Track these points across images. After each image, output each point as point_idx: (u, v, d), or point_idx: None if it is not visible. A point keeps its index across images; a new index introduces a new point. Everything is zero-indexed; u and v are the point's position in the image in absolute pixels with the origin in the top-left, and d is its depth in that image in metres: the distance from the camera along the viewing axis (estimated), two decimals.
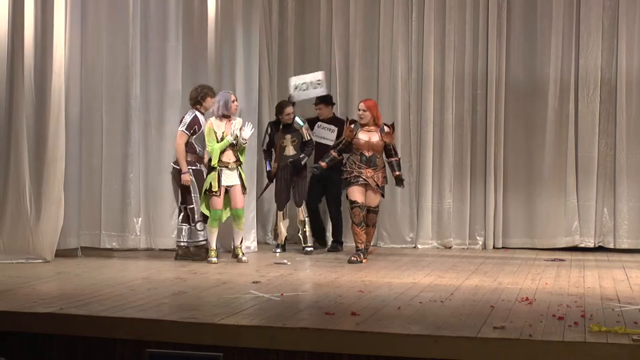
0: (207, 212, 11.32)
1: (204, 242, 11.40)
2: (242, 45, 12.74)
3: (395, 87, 13.68)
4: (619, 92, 13.18)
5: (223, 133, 11.25)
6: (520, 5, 13.45)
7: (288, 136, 12.33)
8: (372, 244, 12.15)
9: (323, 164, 11.71)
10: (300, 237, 12.34)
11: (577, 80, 13.34)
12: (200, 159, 11.48)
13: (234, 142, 11.23)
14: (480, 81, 13.54)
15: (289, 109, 12.31)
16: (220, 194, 11.23)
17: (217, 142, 11.20)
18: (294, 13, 14.05)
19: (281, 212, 12.44)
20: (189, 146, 11.37)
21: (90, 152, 12.01)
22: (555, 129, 13.32)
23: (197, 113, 11.50)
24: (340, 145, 11.67)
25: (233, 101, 11.38)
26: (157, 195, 12.18)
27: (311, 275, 10.24)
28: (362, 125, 11.58)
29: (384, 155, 11.59)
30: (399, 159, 11.78)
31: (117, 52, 12.06)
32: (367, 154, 11.49)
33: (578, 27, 13.33)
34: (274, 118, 12.64)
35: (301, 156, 12.31)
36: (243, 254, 11.41)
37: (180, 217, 11.50)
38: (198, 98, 11.52)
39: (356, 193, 11.47)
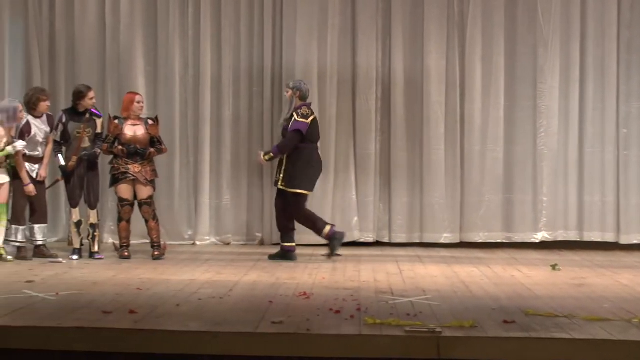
0: None
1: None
2: (10, 38, 12.40)
3: (173, 83, 13.56)
4: (393, 90, 13.51)
5: (4, 142, 11.01)
6: (293, 2, 13.53)
7: (83, 126, 11.53)
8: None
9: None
10: (90, 241, 11.60)
11: (353, 78, 13.58)
12: (36, 160, 11.38)
13: (13, 152, 11.00)
14: (256, 78, 13.59)
15: (93, 93, 11.63)
16: None
17: None
18: (64, 4, 13.65)
19: (76, 211, 11.58)
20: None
21: None
22: (332, 126, 13.51)
23: (30, 118, 11.34)
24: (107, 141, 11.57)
25: (20, 111, 11.17)
26: None
27: (88, 273, 10.05)
28: (130, 119, 11.59)
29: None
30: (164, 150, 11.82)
31: None
32: (138, 151, 11.48)
33: (354, 26, 13.56)
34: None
35: (96, 150, 11.59)
36: (6, 252, 11.11)
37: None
38: (30, 104, 11.36)
39: (125, 190, 11.50)
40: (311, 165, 11.67)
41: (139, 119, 11.66)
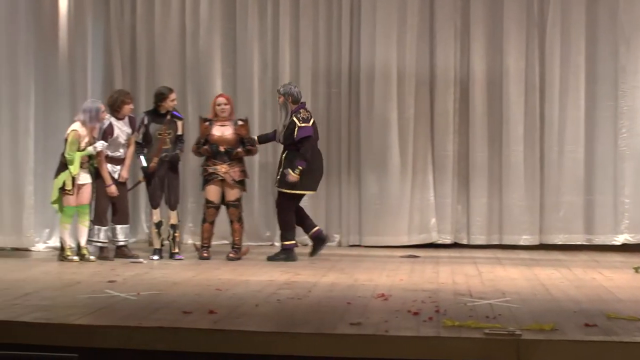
0: (56, 208, 11.20)
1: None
2: (93, 41, 12.59)
3: (251, 85, 13.64)
4: (472, 91, 13.45)
5: (86, 143, 11.13)
6: (372, 2, 13.54)
7: (164, 128, 11.61)
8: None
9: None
10: (170, 242, 11.68)
11: (431, 79, 13.55)
12: (118, 161, 11.50)
13: (94, 153, 11.13)
14: (334, 78, 13.62)
15: (174, 95, 11.72)
16: (73, 193, 11.09)
17: (79, 150, 11.04)
18: (145, 8, 13.84)
19: (157, 212, 11.68)
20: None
21: None
22: (410, 127, 13.49)
23: (113, 120, 11.46)
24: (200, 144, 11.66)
25: (103, 111, 11.28)
26: (11, 193, 11.90)
27: (168, 274, 10.16)
28: (218, 120, 11.61)
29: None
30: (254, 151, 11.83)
31: None
32: (221, 149, 11.51)
33: (432, 26, 13.53)
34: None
35: (177, 152, 11.69)
36: (89, 252, 11.26)
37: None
38: (115, 106, 11.47)
39: (212, 192, 11.53)
40: (315, 165, 11.69)
41: (228, 120, 11.68)
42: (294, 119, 11.49)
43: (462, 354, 6.41)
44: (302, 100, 11.77)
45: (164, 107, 11.59)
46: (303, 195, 11.84)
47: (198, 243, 12.03)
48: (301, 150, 11.48)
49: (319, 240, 11.85)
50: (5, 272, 9.98)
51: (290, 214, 11.70)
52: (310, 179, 11.68)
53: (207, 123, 11.71)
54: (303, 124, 11.47)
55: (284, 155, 11.64)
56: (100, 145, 11.18)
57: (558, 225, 13.39)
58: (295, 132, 11.46)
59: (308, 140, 11.50)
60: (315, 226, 11.88)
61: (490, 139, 13.48)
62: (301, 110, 11.60)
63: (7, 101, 11.95)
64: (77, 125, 11.14)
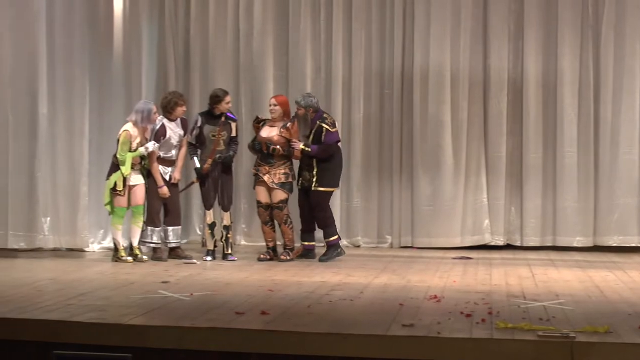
0: (109, 210, 11.29)
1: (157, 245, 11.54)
2: (147, 43, 12.70)
3: (304, 87, 13.67)
4: (525, 93, 13.39)
5: (138, 144, 11.19)
6: (426, 5, 13.52)
7: (218, 130, 11.63)
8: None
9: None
10: (223, 243, 11.69)
11: (485, 81, 13.50)
12: (170, 162, 11.56)
13: (146, 154, 11.20)
14: (387, 80, 13.62)
15: (229, 98, 11.74)
16: (125, 194, 11.17)
17: (130, 151, 11.12)
18: (199, 10, 13.93)
19: (210, 213, 11.73)
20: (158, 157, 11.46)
21: None
22: (463, 129, 13.46)
23: (165, 121, 11.50)
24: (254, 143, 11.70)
25: (155, 112, 11.34)
26: (67, 194, 12.02)
27: (221, 275, 10.20)
28: (271, 121, 11.66)
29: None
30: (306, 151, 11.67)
31: (22, 50, 11.84)
32: (264, 151, 11.55)
33: (485, 29, 13.48)
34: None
35: (231, 153, 11.71)
36: (142, 253, 11.34)
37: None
38: (168, 108, 11.51)
39: (259, 193, 11.61)
40: (340, 164, 11.89)
41: (280, 121, 11.64)
42: (322, 124, 11.58)
43: (515, 356, 6.37)
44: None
45: (219, 109, 11.63)
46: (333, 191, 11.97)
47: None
48: (323, 146, 11.57)
49: (309, 252, 11.88)
50: (61, 273, 10.09)
51: (329, 211, 11.79)
52: (339, 176, 11.90)
53: (259, 124, 11.75)
54: (334, 130, 11.64)
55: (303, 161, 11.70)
56: (151, 146, 11.25)
57: (612, 227, 13.29)
58: (323, 136, 11.56)
59: (336, 144, 11.68)
60: (314, 240, 11.91)
61: (544, 140, 13.41)
62: (326, 116, 11.75)
63: (63, 102, 12.06)
64: (129, 126, 11.21)
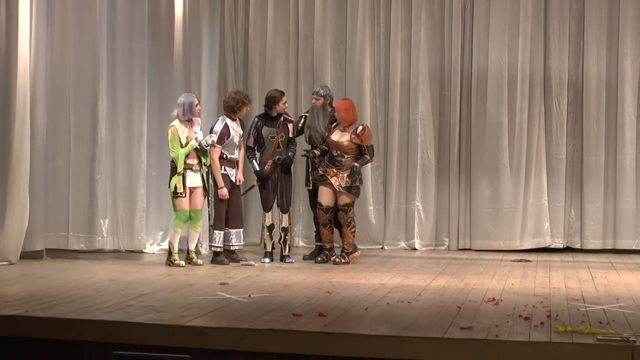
0: (174, 214, 11.30)
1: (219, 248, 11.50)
2: (207, 45, 12.78)
3: (363, 88, 13.68)
4: (585, 94, 13.27)
5: (187, 138, 11.19)
6: (485, 6, 13.46)
7: (276, 131, 11.62)
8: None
9: (317, 151, 11.65)
10: (281, 245, 11.74)
11: (544, 82, 13.41)
12: (234, 163, 11.53)
13: (198, 146, 11.19)
14: (446, 82, 13.59)
15: (286, 98, 11.75)
16: (185, 195, 11.16)
17: (182, 147, 11.14)
18: (258, 13, 14.00)
19: (269, 215, 11.77)
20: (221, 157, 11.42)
21: (56, 154, 11.92)
22: (523, 130, 13.38)
23: (228, 120, 11.46)
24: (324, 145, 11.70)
25: (197, 105, 11.30)
26: (125, 196, 12.12)
27: (279, 276, 10.23)
28: (340, 125, 11.61)
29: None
30: (367, 159, 11.68)
31: (83, 53, 11.97)
32: (333, 153, 11.52)
33: (545, 29, 13.40)
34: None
35: (290, 154, 11.71)
36: (197, 257, 11.36)
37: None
38: (235, 108, 11.45)
39: (322, 194, 11.56)
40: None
41: (351, 126, 11.52)
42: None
43: None
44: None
45: (275, 109, 11.65)
46: None
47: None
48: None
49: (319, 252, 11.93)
50: (120, 274, 10.18)
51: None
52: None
53: (331, 124, 11.74)
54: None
55: (324, 157, 11.63)
56: (207, 138, 11.20)
57: None
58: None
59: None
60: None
61: (604, 142, 13.29)
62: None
63: (123, 106, 12.17)
64: (175, 122, 11.20)
